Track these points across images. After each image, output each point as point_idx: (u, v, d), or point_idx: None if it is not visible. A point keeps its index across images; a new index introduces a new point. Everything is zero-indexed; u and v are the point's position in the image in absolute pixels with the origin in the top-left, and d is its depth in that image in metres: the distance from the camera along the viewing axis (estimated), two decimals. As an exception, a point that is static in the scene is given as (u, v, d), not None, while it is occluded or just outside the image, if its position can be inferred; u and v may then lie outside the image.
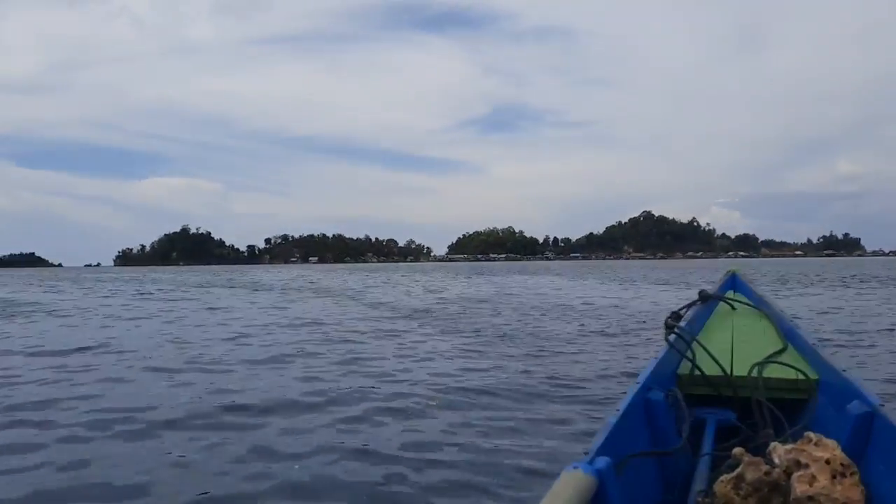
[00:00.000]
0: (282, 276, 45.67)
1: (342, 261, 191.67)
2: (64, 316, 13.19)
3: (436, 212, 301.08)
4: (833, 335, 7.76)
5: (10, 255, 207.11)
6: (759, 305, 3.48)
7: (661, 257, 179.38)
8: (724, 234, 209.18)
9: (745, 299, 3.61)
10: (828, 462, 1.49)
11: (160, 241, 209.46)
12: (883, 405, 1.76)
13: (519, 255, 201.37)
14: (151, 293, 22.67)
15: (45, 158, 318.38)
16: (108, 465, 3.29)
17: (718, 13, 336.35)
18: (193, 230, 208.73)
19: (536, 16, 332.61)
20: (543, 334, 8.48)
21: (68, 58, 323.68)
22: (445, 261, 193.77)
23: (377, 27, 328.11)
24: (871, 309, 11.75)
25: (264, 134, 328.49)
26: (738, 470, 1.54)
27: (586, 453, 1.48)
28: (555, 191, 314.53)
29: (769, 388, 2.29)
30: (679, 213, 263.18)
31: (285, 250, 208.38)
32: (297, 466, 3.25)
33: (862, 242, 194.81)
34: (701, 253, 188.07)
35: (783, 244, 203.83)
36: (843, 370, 2.14)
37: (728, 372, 2.40)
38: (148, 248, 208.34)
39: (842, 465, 1.49)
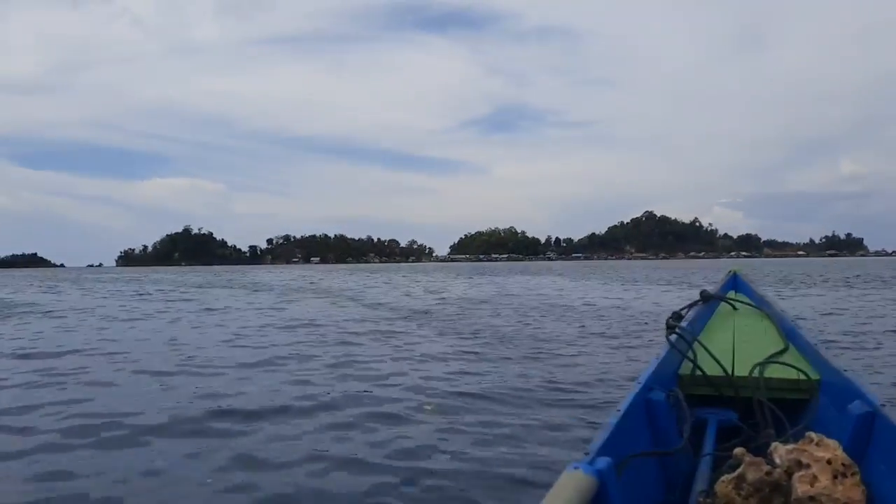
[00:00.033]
0: (283, 276, 45.60)
1: (344, 261, 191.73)
2: (59, 317, 13.09)
3: (437, 212, 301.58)
4: (837, 336, 7.64)
5: (13, 255, 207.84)
6: (761, 305, 3.49)
7: (664, 257, 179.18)
8: (726, 235, 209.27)
9: (746, 299, 3.63)
10: (829, 462, 1.49)
11: (162, 241, 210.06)
12: (884, 405, 1.76)
13: (521, 256, 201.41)
14: (150, 294, 22.60)
15: (47, 159, 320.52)
16: (85, 475, 3.17)
17: (719, 13, 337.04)
18: (195, 230, 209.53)
19: (537, 16, 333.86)
20: (543, 336, 8.35)
21: (70, 58, 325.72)
22: (447, 261, 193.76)
23: (378, 27, 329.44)
24: (874, 310, 11.63)
25: (265, 134, 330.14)
26: (740, 470, 1.55)
27: (587, 453, 1.46)
28: (556, 191, 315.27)
29: (770, 389, 2.30)
30: (681, 213, 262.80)
31: (287, 251, 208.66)
32: (281, 476, 3.13)
33: (865, 243, 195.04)
34: (703, 253, 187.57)
35: (786, 244, 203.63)
36: (845, 370, 2.14)
37: (729, 372, 2.40)
38: (150, 249, 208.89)
39: (843, 465, 1.49)
